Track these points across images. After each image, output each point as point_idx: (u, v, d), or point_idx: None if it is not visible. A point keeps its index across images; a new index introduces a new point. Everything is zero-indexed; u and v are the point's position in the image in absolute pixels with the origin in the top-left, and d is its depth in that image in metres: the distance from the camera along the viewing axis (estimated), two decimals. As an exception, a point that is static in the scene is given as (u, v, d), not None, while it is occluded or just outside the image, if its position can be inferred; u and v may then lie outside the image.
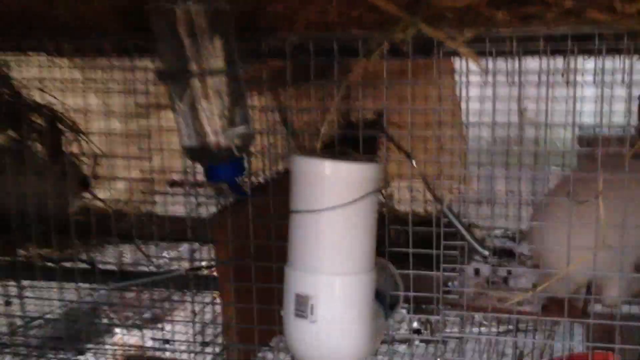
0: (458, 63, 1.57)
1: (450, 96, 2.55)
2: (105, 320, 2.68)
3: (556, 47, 1.29)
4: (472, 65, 1.37)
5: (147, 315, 2.44)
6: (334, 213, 1.24)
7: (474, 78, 1.44)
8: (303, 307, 1.27)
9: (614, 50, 1.30)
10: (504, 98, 1.49)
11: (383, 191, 1.35)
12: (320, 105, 1.52)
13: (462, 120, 2.31)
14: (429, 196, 2.23)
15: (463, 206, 1.57)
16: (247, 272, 1.50)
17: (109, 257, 2.21)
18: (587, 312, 1.56)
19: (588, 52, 1.30)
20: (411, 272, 1.44)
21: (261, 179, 1.65)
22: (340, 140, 1.50)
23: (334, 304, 1.28)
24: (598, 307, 1.57)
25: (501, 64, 1.43)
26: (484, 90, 1.48)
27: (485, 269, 1.88)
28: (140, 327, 2.22)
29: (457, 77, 1.98)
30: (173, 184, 2.20)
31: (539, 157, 2.34)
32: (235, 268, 1.51)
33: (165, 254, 2.33)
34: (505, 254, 2.03)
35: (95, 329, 2.52)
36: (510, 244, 2.09)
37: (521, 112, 1.33)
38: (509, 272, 1.84)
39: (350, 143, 1.48)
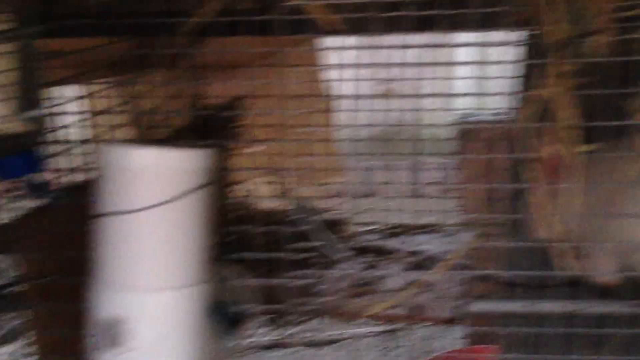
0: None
1: (315, 80, 2.36)
2: None
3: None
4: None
5: None
6: (149, 214, 0.99)
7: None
8: (114, 334, 1.01)
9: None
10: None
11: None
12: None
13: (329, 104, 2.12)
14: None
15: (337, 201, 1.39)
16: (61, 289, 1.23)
17: None
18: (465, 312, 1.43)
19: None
20: (259, 280, 1.22)
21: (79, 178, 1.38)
22: (193, 128, 1.27)
23: (154, 328, 1.02)
24: (480, 306, 1.43)
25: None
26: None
27: (352, 271, 1.69)
28: None
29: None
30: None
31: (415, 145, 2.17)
32: (46, 285, 1.23)
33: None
34: (375, 252, 1.83)
35: None
36: (381, 240, 1.89)
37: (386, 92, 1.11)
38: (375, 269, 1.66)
39: (204, 131, 1.26)
